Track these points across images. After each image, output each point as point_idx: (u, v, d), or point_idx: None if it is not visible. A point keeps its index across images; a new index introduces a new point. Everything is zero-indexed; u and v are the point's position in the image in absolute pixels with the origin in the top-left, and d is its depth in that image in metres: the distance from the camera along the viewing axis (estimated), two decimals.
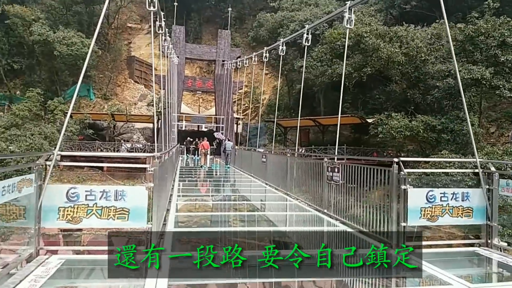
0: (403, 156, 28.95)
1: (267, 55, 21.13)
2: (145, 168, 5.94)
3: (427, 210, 6.01)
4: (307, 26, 14.15)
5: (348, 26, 10.29)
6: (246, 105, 47.72)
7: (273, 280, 5.05)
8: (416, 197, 5.97)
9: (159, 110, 31.30)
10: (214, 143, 33.86)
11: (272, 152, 17.06)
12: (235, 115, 43.84)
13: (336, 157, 9.43)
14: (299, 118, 15.75)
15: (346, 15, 10.41)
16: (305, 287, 4.91)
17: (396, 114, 24.14)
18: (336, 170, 8.38)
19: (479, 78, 20.92)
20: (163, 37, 17.02)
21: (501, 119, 33.43)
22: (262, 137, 41.61)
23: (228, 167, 23.54)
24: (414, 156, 28.07)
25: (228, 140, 27.33)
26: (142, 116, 40.42)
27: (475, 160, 6.16)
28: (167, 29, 16.70)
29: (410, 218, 5.92)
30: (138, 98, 47.24)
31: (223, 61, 41.12)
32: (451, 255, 6.07)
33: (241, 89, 44.89)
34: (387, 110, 28.41)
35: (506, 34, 22.18)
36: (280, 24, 43.01)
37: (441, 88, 23.99)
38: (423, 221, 6.01)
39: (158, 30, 13.18)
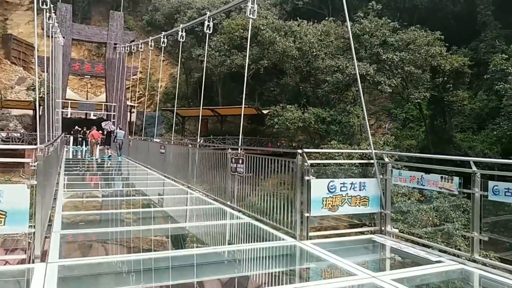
0: (295, 146, 30.32)
1: (165, 40, 20.38)
2: (24, 163, 5.11)
3: (329, 200, 6.18)
4: (208, 13, 13.78)
5: (251, 16, 10.15)
6: (141, 92, 45.55)
7: (171, 282, 4.70)
8: (318, 187, 6.08)
9: (41, 96, 28.12)
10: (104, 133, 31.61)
11: (172, 143, 16.43)
12: (128, 103, 41.56)
13: (239, 148, 9.32)
14: (201, 107, 15.40)
15: (249, 4, 10.23)
16: (209, 286, 4.67)
17: (291, 106, 25.12)
18: (240, 161, 8.25)
19: (364, 73, 22.71)
20: (48, 14, 15.16)
21: (379, 112, 37.11)
22: (159, 126, 40.24)
23: (121, 158, 22.24)
24: (305, 146, 29.56)
25: (120, 129, 25.65)
26: (20, 101, 36.06)
27: (370, 151, 6.50)
28: (52, 5, 14.94)
29: (313, 209, 6.04)
30: (16, 81, 42.02)
31: (115, 44, 38.57)
32: (350, 244, 6.35)
33: (135, 75, 42.69)
34: (281, 102, 29.50)
35: (387, 34, 24.38)
36: (177, 10, 41.77)
37: (330, 82, 25.54)
38: (325, 211, 6.17)
39: (42, 5, 11.68)
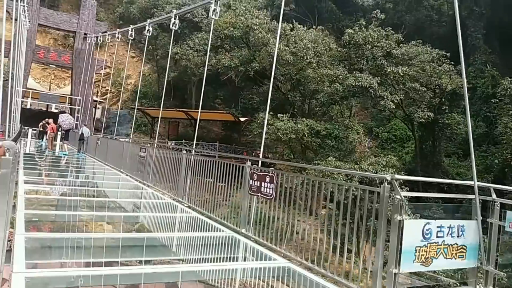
0: (271, 158, 28.21)
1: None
2: None
3: (422, 250, 4.36)
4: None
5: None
6: (108, 88, 42.51)
7: None
8: (411, 231, 4.27)
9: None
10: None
11: (155, 146, 14.20)
12: (94, 98, 38.50)
13: (260, 161, 7.37)
14: (200, 110, 13.68)
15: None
16: None
17: (282, 115, 23.18)
18: (267, 179, 6.30)
19: (367, 86, 21.08)
20: None
21: (358, 130, 36.06)
22: (125, 125, 37.63)
23: (84, 156, 20.05)
24: (286, 159, 27.87)
25: (85, 125, 23.54)
26: None
27: (472, 182, 4.74)
28: None
29: (403, 262, 4.20)
30: None
31: (85, 34, 35.60)
32: None
33: (104, 69, 39.76)
34: (259, 111, 27.81)
35: (392, 45, 22.78)
36: (155, 4, 39.24)
37: (326, 93, 23.66)
38: (417, 266, 4.34)
39: None
